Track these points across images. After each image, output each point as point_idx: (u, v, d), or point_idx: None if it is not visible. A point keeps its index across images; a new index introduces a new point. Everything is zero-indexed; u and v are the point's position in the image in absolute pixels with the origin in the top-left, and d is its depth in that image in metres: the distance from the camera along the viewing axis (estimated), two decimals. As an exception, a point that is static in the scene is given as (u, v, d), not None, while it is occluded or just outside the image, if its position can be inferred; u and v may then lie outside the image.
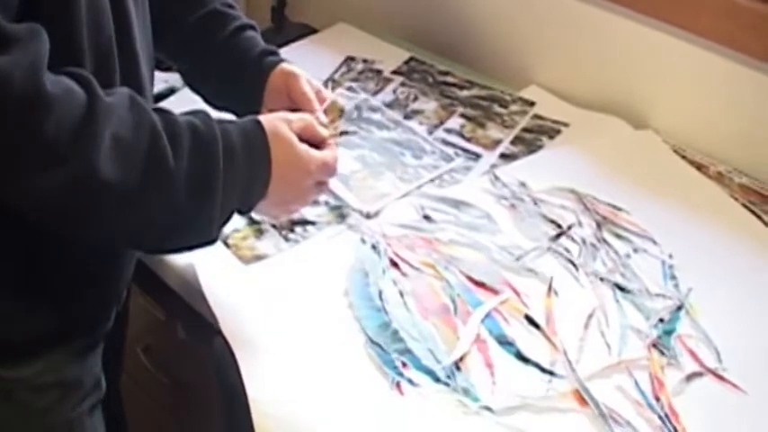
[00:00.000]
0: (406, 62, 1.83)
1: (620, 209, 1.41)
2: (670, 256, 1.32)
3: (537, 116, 1.66)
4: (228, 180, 0.96)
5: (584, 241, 1.33)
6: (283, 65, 1.21)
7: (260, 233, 1.31)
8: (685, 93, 1.58)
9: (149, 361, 1.61)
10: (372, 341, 1.13)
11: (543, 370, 1.12)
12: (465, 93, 1.72)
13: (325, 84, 1.65)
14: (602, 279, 1.26)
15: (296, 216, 1.32)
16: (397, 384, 1.08)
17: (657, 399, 1.08)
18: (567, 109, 1.68)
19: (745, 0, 1.43)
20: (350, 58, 1.82)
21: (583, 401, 1.07)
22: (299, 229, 1.32)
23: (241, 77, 1.21)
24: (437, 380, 1.09)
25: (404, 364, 1.10)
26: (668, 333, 1.18)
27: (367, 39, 1.91)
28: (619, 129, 1.62)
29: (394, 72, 1.79)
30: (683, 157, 1.55)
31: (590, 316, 1.20)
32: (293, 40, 1.90)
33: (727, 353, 1.16)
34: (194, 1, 1.23)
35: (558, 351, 1.14)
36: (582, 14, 1.65)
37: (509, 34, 1.79)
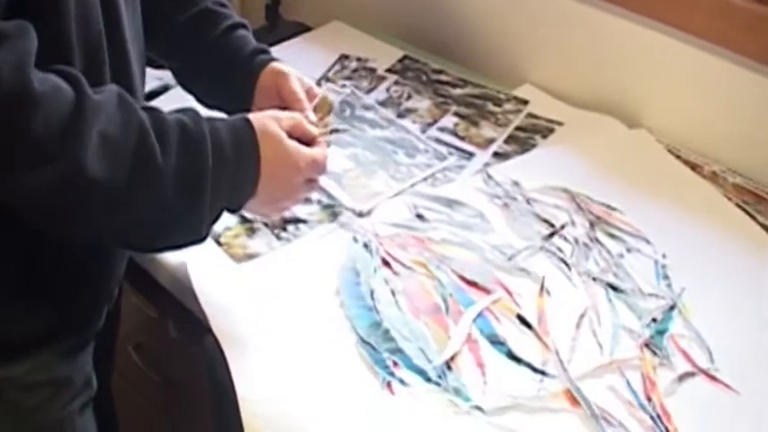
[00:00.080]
0: (400, 60, 1.82)
1: (613, 208, 1.40)
2: (663, 256, 1.31)
3: (531, 115, 1.65)
4: (217, 178, 0.96)
5: (576, 241, 1.32)
6: (274, 64, 1.20)
7: (252, 231, 1.31)
8: (679, 92, 1.58)
9: (141, 359, 1.61)
10: (363, 340, 1.13)
11: (535, 370, 1.11)
12: (459, 91, 1.72)
13: (318, 83, 1.65)
14: (594, 279, 1.26)
15: (288, 214, 1.32)
16: (388, 384, 1.07)
17: (649, 399, 1.08)
18: (561, 108, 1.68)
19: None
20: (344, 57, 1.82)
21: (574, 401, 1.07)
22: (291, 227, 1.32)
23: (232, 76, 1.20)
24: (428, 380, 1.08)
25: (395, 364, 1.10)
26: (661, 333, 1.18)
27: (361, 37, 1.91)
28: (613, 128, 1.62)
29: (388, 70, 1.79)
30: (677, 157, 1.55)
31: (582, 316, 1.19)
32: (287, 38, 1.90)
33: (720, 353, 1.16)
34: (185, 0, 1.23)
35: (549, 351, 1.14)
36: (576, 13, 1.65)
37: (503, 33, 1.79)
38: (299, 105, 1.15)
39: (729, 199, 1.45)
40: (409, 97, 1.69)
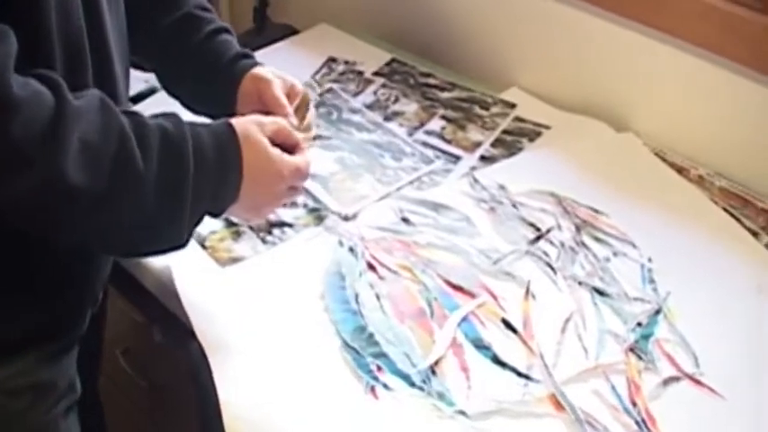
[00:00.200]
0: (388, 63, 1.82)
1: (599, 212, 1.40)
2: (649, 260, 1.31)
3: (518, 118, 1.65)
4: (199, 183, 0.95)
5: (562, 245, 1.32)
6: (255, 69, 1.19)
7: (237, 235, 1.30)
8: (667, 96, 1.58)
9: (128, 364, 1.60)
10: (348, 345, 1.13)
11: (519, 374, 1.11)
12: (446, 94, 1.72)
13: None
14: (580, 283, 1.26)
15: (273, 218, 1.32)
16: (372, 389, 1.07)
17: (634, 403, 1.08)
18: (549, 111, 1.68)
19: (723, 3, 1.43)
20: (331, 59, 1.82)
21: (559, 406, 1.07)
22: (276, 230, 1.32)
23: (215, 81, 1.20)
24: (412, 384, 1.08)
25: (379, 368, 1.10)
26: (646, 337, 1.18)
27: (349, 40, 1.90)
28: (600, 131, 1.62)
29: (375, 73, 1.78)
30: (664, 160, 1.55)
31: (567, 320, 1.19)
32: (275, 41, 1.89)
33: (705, 357, 1.16)
34: (169, 4, 1.22)
35: (534, 355, 1.13)
36: (565, 17, 1.65)
37: (491, 36, 1.79)
38: (281, 111, 1.14)
39: (716, 203, 1.45)
40: (396, 100, 1.69)
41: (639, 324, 1.20)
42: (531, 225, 1.36)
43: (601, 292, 1.24)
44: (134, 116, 0.93)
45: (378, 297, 1.20)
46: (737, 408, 1.09)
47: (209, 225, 1.29)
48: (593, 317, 1.21)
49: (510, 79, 1.77)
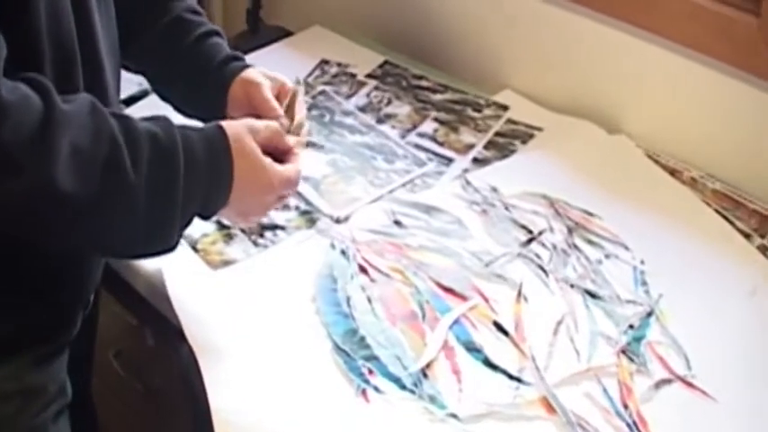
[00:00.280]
0: (381, 66, 1.82)
1: (592, 214, 1.40)
2: (642, 262, 1.31)
3: (510, 120, 1.65)
4: (189, 187, 0.95)
5: (554, 247, 1.32)
6: (245, 72, 1.19)
7: (229, 238, 1.30)
8: (659, 97, 1.58)
9: (121, 366, 1.60)
10: (339, 347, 1.12)
11: (511, 377, 1.11)
12: (439, 97, 1.72)
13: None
14: (572, 285, 1.26)
15: (265, 220, 1.32)
16: (363, 392, 1.07)
17: (626, 406, 1.08)
18: (541, 113, 1.68)
19: (713, 4, 1.43)
20: (324, 62, 1.82)
21: (550, 409, 1.07)
22: (268, 233, 1.32)
23: (205, 84, 1.19)
24: (403, 387, 1.08)
25: (370, 371, 1.10)
26: (638, 339, 1.18)
27: (342, 42, 1.90)
28: (592, 133, 1.62)
29: (368, 75, 1.78)
30: (657, 162, 1.55)
31: (559, 322, 1.19)
32: (268, 43, 1.89)
33: (697, 360, 1.16)
34: (159, 7, 1.22)
35: (526, 358, 1.13)
36: (557, 19, 1.65)
37: (484, 38, 1.79)
38: (272, 114, 1.14)
39: (708, 205, 1.45)
40: (389, 103, 1.69)
41: (631, 326, 1.20)
42: (524, 227, 1.36)
43: (593, 295, 1.24)
44: (124, 120, 0.93)
45: (369, 300, 1.20)
46: (729, 410, 1.09)
47: (200, 228, 1.29)
48: (585, 319, 1.21)
49: (502, 81, 1.77)
